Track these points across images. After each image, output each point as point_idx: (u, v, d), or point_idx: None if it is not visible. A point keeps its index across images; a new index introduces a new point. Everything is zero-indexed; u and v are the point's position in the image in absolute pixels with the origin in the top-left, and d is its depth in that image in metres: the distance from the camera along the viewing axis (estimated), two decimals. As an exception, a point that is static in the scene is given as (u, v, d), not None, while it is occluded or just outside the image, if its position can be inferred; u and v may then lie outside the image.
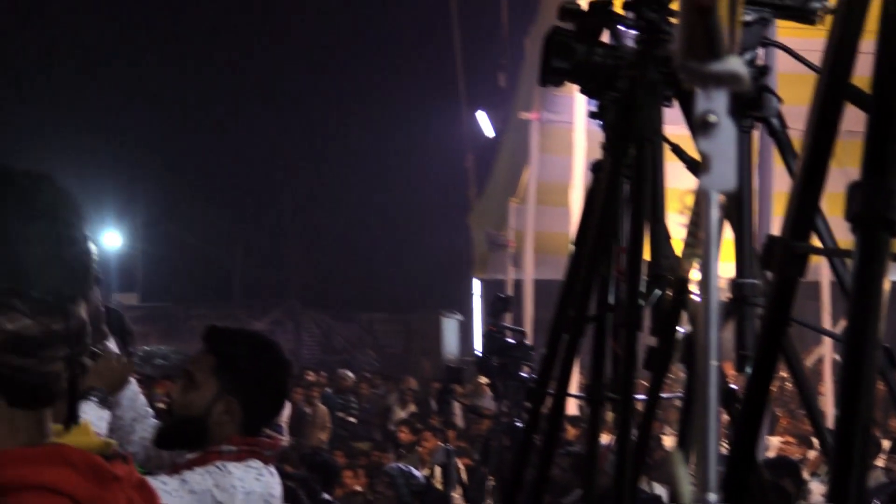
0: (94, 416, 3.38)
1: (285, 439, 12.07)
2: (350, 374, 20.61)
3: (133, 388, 3.71)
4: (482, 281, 21.53)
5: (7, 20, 36.04)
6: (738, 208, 2.86)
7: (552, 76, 3.17)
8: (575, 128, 12.49)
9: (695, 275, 2.79)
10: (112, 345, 3.66)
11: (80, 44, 36.95)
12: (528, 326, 13.32)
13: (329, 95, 37.83)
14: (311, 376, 19.96)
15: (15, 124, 34.87)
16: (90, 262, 1.46)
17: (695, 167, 2.88)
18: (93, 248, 1.48)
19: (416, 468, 10.24)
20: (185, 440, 3.36)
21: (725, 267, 1.67)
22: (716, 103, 0.97)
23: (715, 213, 1.00)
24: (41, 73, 36.64)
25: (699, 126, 0.97)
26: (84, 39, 36.93)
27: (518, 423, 7.58)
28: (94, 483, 1.42)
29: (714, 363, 1.00)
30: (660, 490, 7.44)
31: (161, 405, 6.46)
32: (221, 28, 38.42)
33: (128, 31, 38.00)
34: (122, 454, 1.50)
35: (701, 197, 1.03)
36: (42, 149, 32.22)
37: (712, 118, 0.97)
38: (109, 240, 34.20)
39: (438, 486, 10.03)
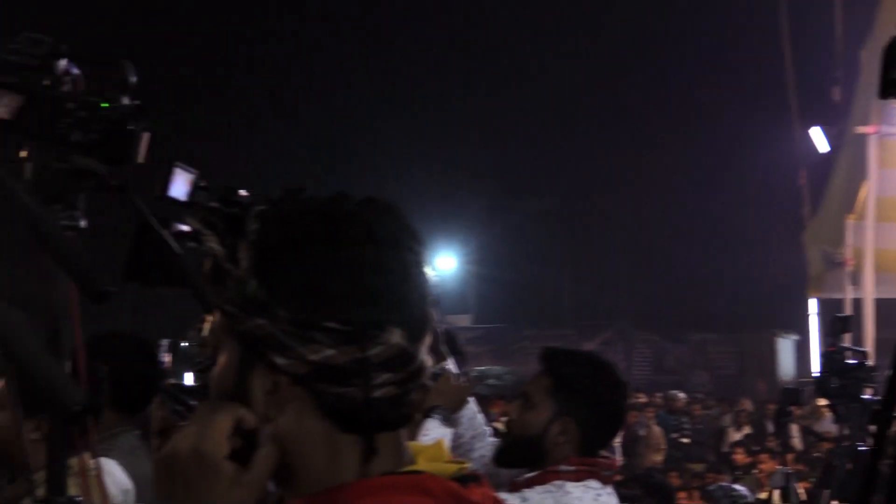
0: (437, 434, 3.49)
1: (620, 460, 12.05)
2: (682, 395, 20.40)
3: (472, 407, 3.80)
4: (818, 300, 20.92)
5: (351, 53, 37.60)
6: None
7: (894, 88, 3.06)
8: (918, 141, 12.05)
9: None
10: (451, 365, 3.77)
11: (408, 74, 38.14)
12: (869, 347, 12.89)
13: (658, 112, 37.63)
14: (641, 398, 19.86)
15: (357, 153, 36.37)
16: (405, 288, 1.40)
17: None
18: (417, 272, 1.43)
19: (753, 491, 10.04)
20: (523, 459, 3.40)
21: None
22: None
23: None
24: (380, 105, 38.00)
25: None
26: (400, 67, 38.11)
27: (862, 447, 7.31)
28: None
29: None
30: None
31: (497, 425, 6.58)
32: (536, 59, 38.86)
33: (449, 59, 38.97)
34: (476, 475, 1.49)
35: None
36: (385, 173, 33.48)
37: None
38: (444, 263, 35.13)
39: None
